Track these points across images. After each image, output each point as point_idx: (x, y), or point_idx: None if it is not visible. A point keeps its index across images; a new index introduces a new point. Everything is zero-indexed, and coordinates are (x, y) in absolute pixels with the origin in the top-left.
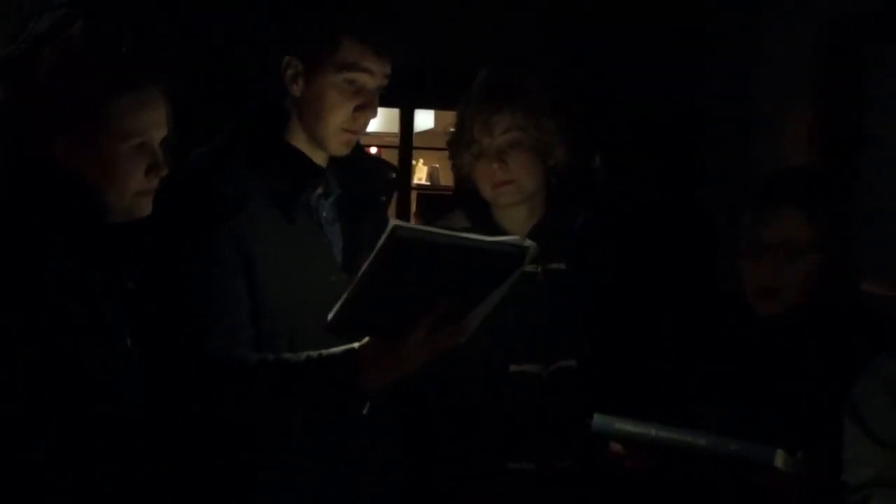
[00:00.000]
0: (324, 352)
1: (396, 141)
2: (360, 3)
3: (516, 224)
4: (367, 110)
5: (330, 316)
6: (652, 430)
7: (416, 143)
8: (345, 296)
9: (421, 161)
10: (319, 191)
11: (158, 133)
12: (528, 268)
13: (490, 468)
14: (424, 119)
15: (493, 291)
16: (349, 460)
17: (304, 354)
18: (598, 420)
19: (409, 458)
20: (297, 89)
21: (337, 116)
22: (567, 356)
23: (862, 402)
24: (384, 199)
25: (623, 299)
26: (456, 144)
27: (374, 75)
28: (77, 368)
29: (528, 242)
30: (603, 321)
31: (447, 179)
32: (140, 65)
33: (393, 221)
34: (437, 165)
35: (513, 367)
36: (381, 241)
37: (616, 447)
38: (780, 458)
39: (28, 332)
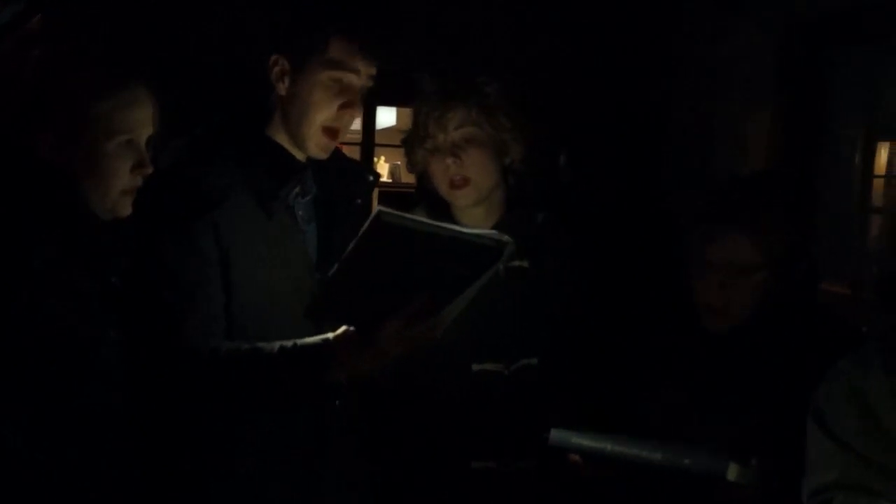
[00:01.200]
0: (298, 341)
1: (358, 138)
2: (350, 3)
3: (476, 222)
4: (352, 108)
5: (309, 302)
6: (608, 445)
7: (377, 140)
8: (325, 281)
9: (382, 158)
10: (297, 190)
11: (145, 131)
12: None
13: (453, 467)
14: (386, 116)
15: (469, 286)
16: (314, 458)
17: (277, 343)
18: (555, 434)
19: (373, 457)
20: (283, 87)
21: (321, 114)
22: (529, 354)
23: (826, 405)
24: (360, 201)
25: (584, 298)
26: (411, 141)
27: (359, 75)
28: (60, 362)
29: (507, 238)
30: (564, 320)
31: (409, 177)
32: (128, 63)
33: (378, 207)
34: (399, 163)
35: (475, 366)
36: (365, 226)
37: (574, 457)
38: (733, 472)
39: (13, 325)
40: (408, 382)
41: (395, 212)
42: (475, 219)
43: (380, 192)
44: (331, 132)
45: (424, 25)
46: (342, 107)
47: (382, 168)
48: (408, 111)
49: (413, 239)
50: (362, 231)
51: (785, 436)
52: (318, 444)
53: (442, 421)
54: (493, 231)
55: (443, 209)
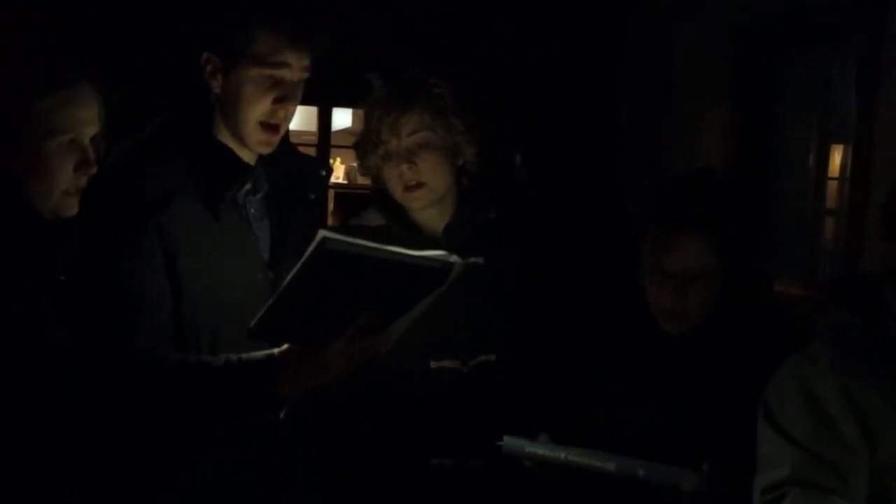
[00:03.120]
0: (244, 356)
1: (314, 139)
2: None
3: (431, 220)
4: (286, 102)
5: (252, 322)
6: (561, 455)
7: (333, 141)
8: (268, 303)
9: (339, 160)
10: (248, 187)
11: (88, 130)
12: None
13: (411, 464)
14: (342, 118)
15: (416, 305)
16: (268, 459)
17: (223, 357)
18: (508, 442)
19: (330, 455)
20: (216, 85)
21: (255, 110)
22: (486, 351)
23: (775, 403)
24: (313, 196)
25: (537, 293)
26: (363, 146)
27: (291, 68)
28: (9, 363)
29: (454, 258)
30: (519, 315)
31: (365, 178)
32: (70, 61)
33: (322, 232)
34: (355, 164)
35: (433, 363)
36: (308, 251)
37: (528, 464)
38: (686, 482)
39: None
40: (366, 380)
41: (340, 237)
42: (429, 218)
43: (336, 194)
44: (269, 127)
45: (377, 26)
46: (276, 101)
47: (339, 169)
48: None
49: (358, 263)
50: (306, 256)
51: (739, 435)
52: (270, 446)
53: (400, 418)
54: (441, 252)
55: (396, 210)
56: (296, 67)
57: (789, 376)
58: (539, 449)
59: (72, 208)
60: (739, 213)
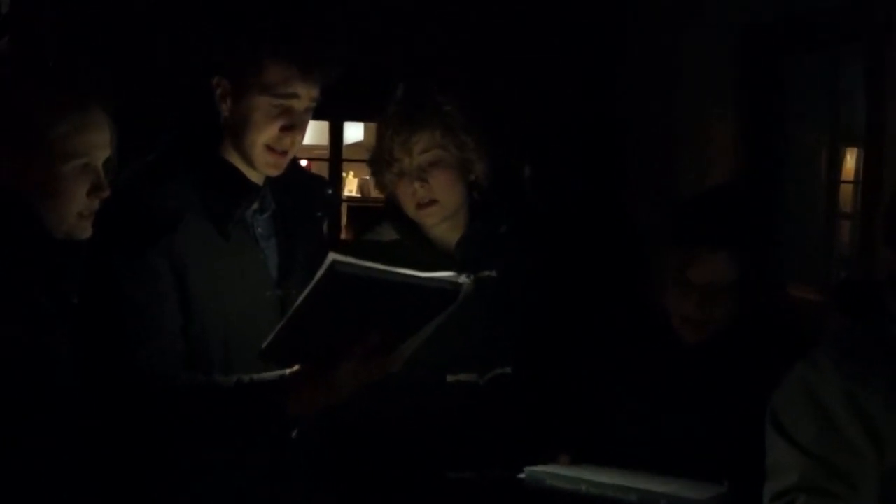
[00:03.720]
0: (255, 376)
1: (326, 153)
2: (286, 24)
3: (444, 235)
4: (294, 131)
5: (264, 344)
6: (582, 487)
7: (345, 155)
8: (279, 325)
9: (351, 173)
10: (255, 206)
11: (101, 154)
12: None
13: (429, 478)
14: (354, 131)
15: (425, 325)
16: (279, 476)
17: (234, 377)
18: (530, 475)
19: (344, 470)
20: (226, 108)
21: (262, 135)
22: (502, 364)
23: (783, 410)
24: (320, 214)
25: (550, 305)
26: (377, 163)
27: (300, 98)
28: (21, 382)
29: (463, 279)
30: (533, 328)
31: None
32: (84, 86)
33: (331, 255)
34: (368, 178)
35: (449, 377)
36: (318, 275)
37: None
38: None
39: None
40: (383, 395)
41: (349, 260)
42: (442, 233)
43: (349, 208)
44: (276, 151)
45: (385, 43)
46: (283, 129)
47: (351, 183)
48: (375, 126)
49: (367, 286)
50: (316, 279)
51: (755, 444)
52: (280, 464)
53: (417, 432)
54: (450, 273)
55: (410, 225)
56: (304, 97)
57: (795, 383)
58: (559, 482)
59: (85, 231)
60: (758, 226)
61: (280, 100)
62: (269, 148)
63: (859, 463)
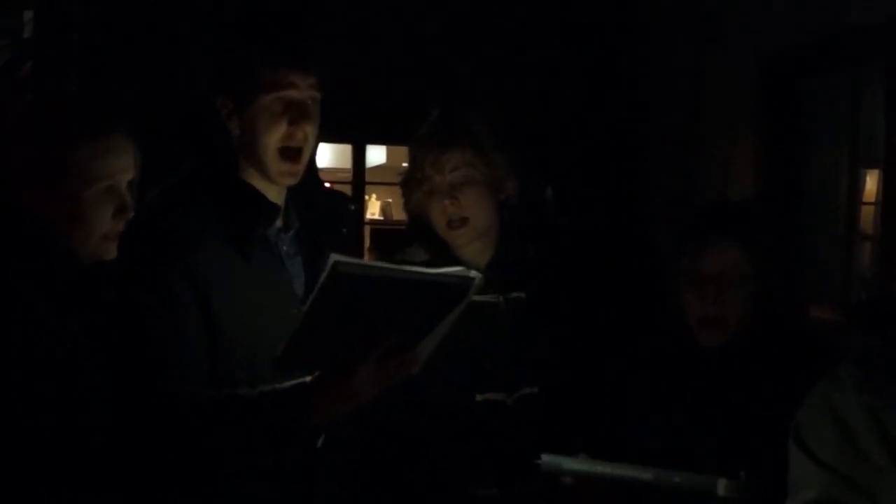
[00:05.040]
0: (277, 387)
1: (349, 176)
2: (269, 27)
3: (474, 256)
4: (302, 122)
5: (279, 352)
6: (598, 468)
7: (368, 178)
8: (291, 332)
9: (374, 196)
10: (279, 225)
11: (125, 176)
12: (490, 298)
13: (457, 494)
14: (376, 154)
15: (440, 322)
16: (307, 488)
17: (257, 390)
18: (546, 460)
19: (372, 486)
20: (235, 126)
21: (273, 136)
22: (530, 383)
23: (804, 426)
24: (345, 231)
25: (577, 326)
26: (409, 183)
27: (298, 87)
28: (53, 405)
29: (474, 273)
30: (560, 348)
31: (400, 214)
32: (106, 111)
33: (333, 256)
34: (390, 200)
35: (479, 396)
36: (322, 278)
37: (568, 480)
38: (722, 487)
39: (4, 368)
40: (412, 413)
41: (352, 260)
42: (472, 254)
43: (371, 230)
44: (290, 154)
45: (408, 67)
46: (291, 123)
47: (374, 206)
48: (397, 149)
49: (374, 285)
50: (320, 282)
51: (774, 450)
52: (308, 474)
53: (446, 449)
54: (459, 268)
55: (440, 246)
56: (302, 86)
57: (817, 399)
58: (576, 465)
59: (110, 252)
60: (769, 228)
61: (279, 93)
62: (282, 151)
63: (881, 478)
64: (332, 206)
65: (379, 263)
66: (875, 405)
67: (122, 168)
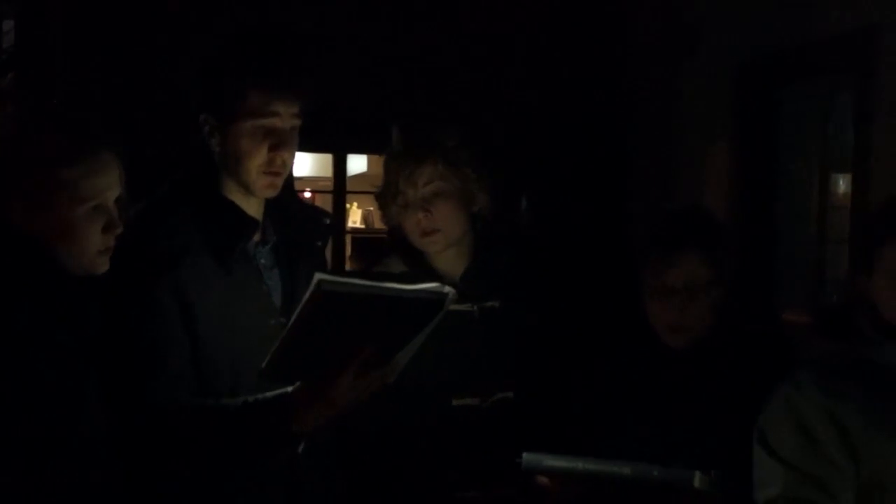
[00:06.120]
0: (259, 396)
1: (330, 185)
2: (262, 53)
3: (449, 267)
4: (282, 150)
5: (263, 364)
6: (579, 464)
7: (349, 186)
8: (276, 344)
9: (355, 204)
10: (257, 238)
11: (112, 193)
12: (465, 307)
13: (436, 496)
14: (357, 163)
15: (416, 335)
16: (289, 493)
17: (240, 399)
18: (528, 458)
19: (352, 488)
20: (215, 143)
21: (254, 160)
22: (504, 389)
23: (767, 426)
24: (320, 244)
25: (551, 333)
26: (383, 196)
27: (281, 117)
28: (44, 417)
29: (447, 289)
30: (533, 355)
31: (381, 223)
32: (92, 130)
33: (318, 275)
34: (372, 209)
35: (455, 401)
36: (306, 294)
37: (543, 479)
38: (697, 480)
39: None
40: (390, 418)
41: (335, 278)
42: (448, 265)
43: (353, 239)
44: (270, 173)
45: (387, 79)
46: (271, 149)
47: (355, 214)
48: (378, 158)
49: (355, 301)
50: (305, 299)
51: (736, 451)
52: (290, 480)
53: (425, 453)
54: (434, 284)
55: (416, 257)
56: (285, 115)
57: (778, 401)
58: (557, 461)
59: (103, 266)
60: (729, 232)
61: (262, 120)
62: (264, 172)
63: (839, 476)
64: (308, 220)
65: (359, 281)
66: (833, 407)
67: (110, 185)
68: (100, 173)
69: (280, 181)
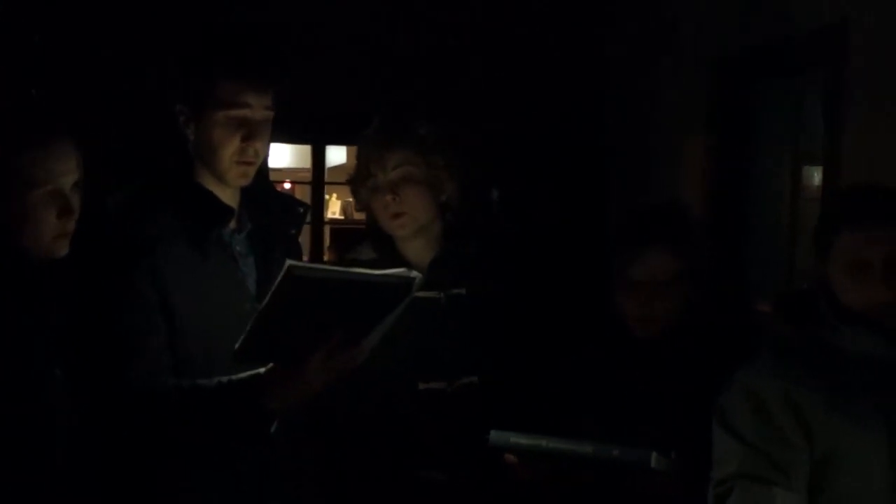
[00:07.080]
0: (233, 377)
1: (309, 176)
2: (234, 45)
3: (418, 255)
4: (254, 140)
5: (237, 345)
6: (543, 442)
7: (328, 178)
8: (248, 327)
9: (334, 196)
10: (233, 226)
11: (68, 179)
12: (432, 294)
13: (401, 477)
14: (337, 154)
15: (385, 317)
16: (261, 471)
17: (215, 380)
18: (494, 435)
19: (322, 466)
20: (190, 133)
21: (227, 150)
22: (470, 373)
23: (726, 406)
24: (294, 231)
25: (516, 321)
26: (355, 180)
27: (252, 108)
28: (6, 401)
29: (414, 273)
30: (499, 342)
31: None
32: (45, 118)
33: (288, 261)
34: (350, 200)
35: (421, 385)
36: (278, 279)
37: (510, 457)
38: (654, 460)
39: None
40: (359, 400)
41: (305, 264)
42: (416, 253)
43: (332, 229)
44: (243, 163)
45: (365, 71)
46: (244, 139)
47: (334, 205)
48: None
49: (325, 286)
50: (276, 284)
51: (696, 434)
52: (263, 459)
53: (390, 434)
54: (402, 269)
55: (387, 244)
56: (257, 107)
57: (737, 384)
58: (523, 439)
59: (62, 249)
60: (699, 229)
61: (234, 111)
62: (237, 162)
63: (793, 453)
64: (282, 209)
65: (328, 266)
66: (789, 388)
67: (64, 171)
68: (52, 159)
69: (252, 170)
